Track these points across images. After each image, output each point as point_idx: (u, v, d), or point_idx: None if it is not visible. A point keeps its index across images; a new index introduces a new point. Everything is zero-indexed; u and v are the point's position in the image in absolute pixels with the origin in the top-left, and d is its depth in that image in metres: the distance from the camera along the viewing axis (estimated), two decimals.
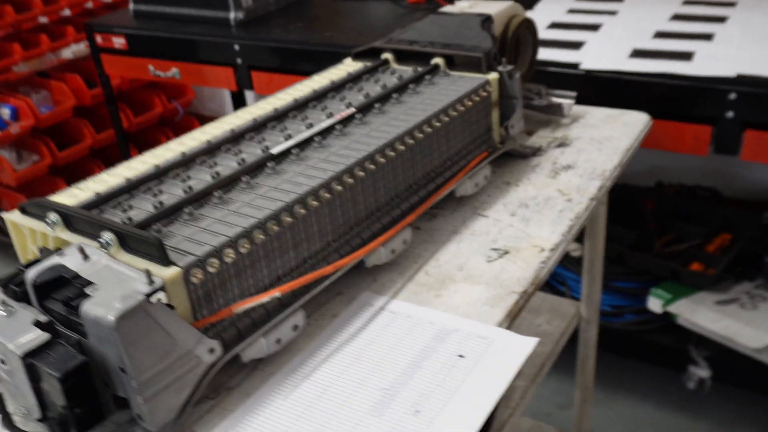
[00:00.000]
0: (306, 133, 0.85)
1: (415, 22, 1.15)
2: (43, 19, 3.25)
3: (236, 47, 2.02)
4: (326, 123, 0.87)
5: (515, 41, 1.14)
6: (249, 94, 3.03)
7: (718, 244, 1.84)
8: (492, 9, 1.11)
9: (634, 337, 1.83)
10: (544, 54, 1.56)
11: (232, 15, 2.11)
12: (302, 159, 0.81)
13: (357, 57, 1.13)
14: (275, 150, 0.82)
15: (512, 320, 0.77)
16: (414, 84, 0.98)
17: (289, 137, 0.86)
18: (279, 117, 0.92)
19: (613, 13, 1.79)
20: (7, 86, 3.08)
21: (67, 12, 3.32)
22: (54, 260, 0.67)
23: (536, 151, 1.07)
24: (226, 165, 0.81)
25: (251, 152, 0.84)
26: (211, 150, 0.84)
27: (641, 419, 1.93)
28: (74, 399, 0.62)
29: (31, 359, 0.61)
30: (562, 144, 1.09)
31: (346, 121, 0.89)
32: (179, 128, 3.34)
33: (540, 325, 1.30)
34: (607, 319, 1.86)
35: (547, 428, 1.61)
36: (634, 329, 1.83)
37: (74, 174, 3.07)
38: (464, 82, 0.98)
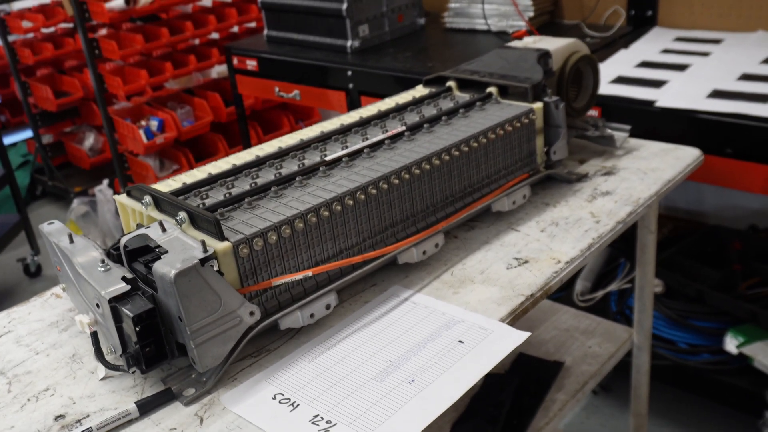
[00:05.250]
0: (358, 145, 1.00)
1: (483, 54, 1.27)
2: (194, 41, 3.62)
3: (349, 73, 2.21)
4: (378, 138, 1.02)
5: (575, 75, 1.24)
6: None
7: None
8: (552, 45, 1.21)
9: (709, 377, 1.82)
10: (625, 91, 1.63)
11: (349, 43, 2.30)
12: (350, 167, 0.96)
13: (427, 84, 1.26)
14: (329, 157, 0.97)
15: (516, 318, 0.87)
16: (465, 109, 1.10)
17: (345, 148, 1.01)
18: (343, 131, 1.07)
19: (705, 54, 1.81)
20: (158, 101, 3.46)
21: (215, 35, 3.68)
22: (140, 231, 0.85)
23: (581, 178, 1.15)
24: (289, 168, 0.97)
25: (311, 158, 0.99)
26: (280, 155, 1.01)
27: None
28: (144, 338, 0.79)
29: (115, 303, 0.79)
30: (609, 172, 1.17)
31: (396, 137, 1.03)
32: None
33: (591, 346, 1.36)
34: (683, 356, 1.86)
35: None
36: (709, 369, 1.82)
37: None
38: (511, 109, 1.09)
